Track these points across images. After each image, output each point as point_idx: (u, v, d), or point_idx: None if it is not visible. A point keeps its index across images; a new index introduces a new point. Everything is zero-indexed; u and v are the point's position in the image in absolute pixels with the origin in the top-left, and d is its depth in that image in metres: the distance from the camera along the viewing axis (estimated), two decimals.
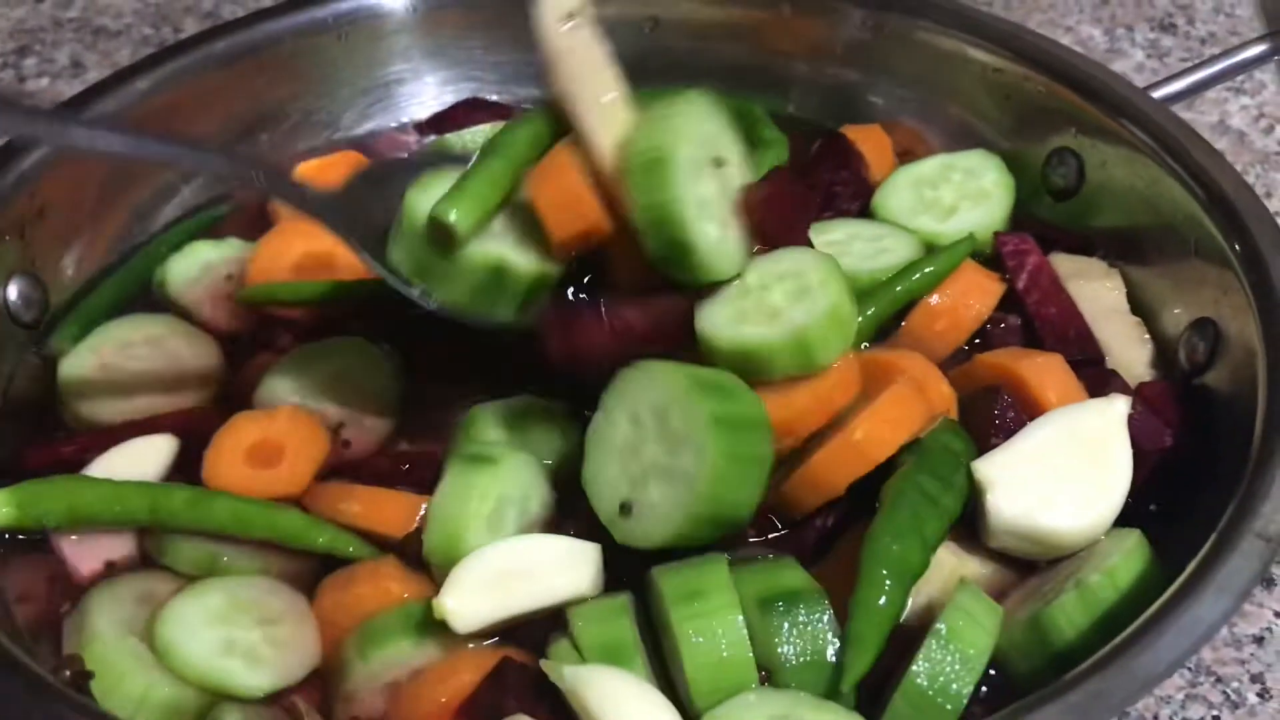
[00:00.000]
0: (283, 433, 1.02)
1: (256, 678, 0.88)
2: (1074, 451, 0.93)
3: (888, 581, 0.84)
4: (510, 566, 0.89)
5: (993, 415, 0.97)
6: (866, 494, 0.93)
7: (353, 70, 1.33)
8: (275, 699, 0.89)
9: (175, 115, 1.23)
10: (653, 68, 1.34)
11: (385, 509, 0.98)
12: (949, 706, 0.80)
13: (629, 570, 0.91)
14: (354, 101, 1.34)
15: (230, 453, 1.01)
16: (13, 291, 1.10)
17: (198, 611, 0.90)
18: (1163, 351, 1.07)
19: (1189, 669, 0.99)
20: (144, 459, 1.01)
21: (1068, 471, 0.92)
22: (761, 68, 1.35)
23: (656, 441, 0.89)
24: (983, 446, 0.95)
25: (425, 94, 1.36)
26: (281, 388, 1.06)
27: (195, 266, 1.17)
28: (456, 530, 0.91)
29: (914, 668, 0.81)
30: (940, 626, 0.82)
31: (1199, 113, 1.52)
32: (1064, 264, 1.13)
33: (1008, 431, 0.96)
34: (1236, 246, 0.99)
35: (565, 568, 0.90)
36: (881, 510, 0.89)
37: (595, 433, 0.92)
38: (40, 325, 1.12)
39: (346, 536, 0.96)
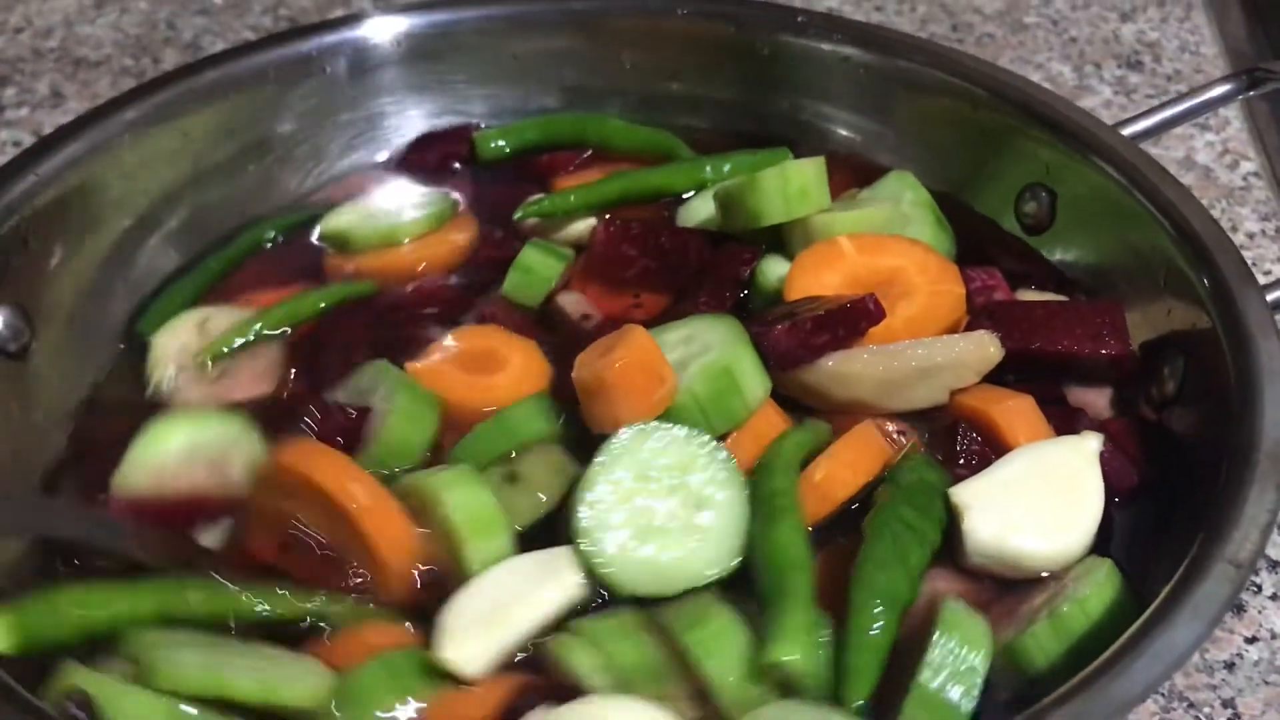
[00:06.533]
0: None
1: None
2: (1046, 483, 0.95)
3: (878, 608, 0.86)
4: (497, 595, 0.89)
5: (955, 450, 1.00)
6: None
7: (337, 103, 1.33)
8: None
9: (159, 149, 1.23)
10: (631, 103, 1.38)
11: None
12: (963, 707, 0.82)
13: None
14: (338, 134, 1.35)
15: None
16: None
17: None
18: (1130, 384, 1.09)
19: (1162, 695, 1.01)
20: None
21: (1040, 501, 0.94)
22: (736, 103, 1.37)
23: (671, 498, 0.92)
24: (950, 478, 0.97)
25: (410, 126, 1.37)
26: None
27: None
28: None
29: (921, 676, 0.82)
30: (938, 634, 0.83)
31: (1165, 148, 1.56)
32: (1032, 299, 1.14)
33: (970, 464, 0.99)
34: (1205, 281, 1.01)
35: (548, 577, 0.91)
36: (865, 543, 0.90)
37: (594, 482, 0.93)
38: (25, 355, 1.12)
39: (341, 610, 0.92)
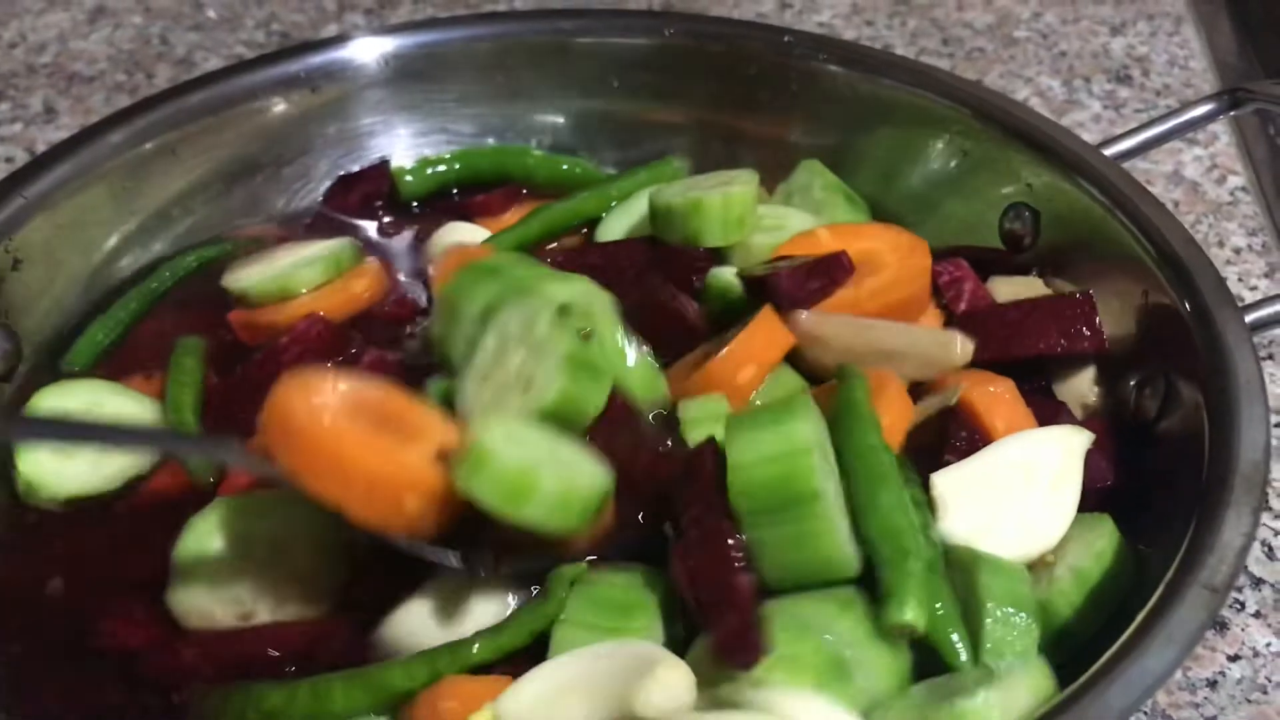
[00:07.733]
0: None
1: None
2: (1026, 479, 0.96)
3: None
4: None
5: (947, 435, 1.00)
6: None
7: (325, 123, 1.35)
8: None
9: (148, 169, 1.24)
10: (617, 124, 1.39)
11: None
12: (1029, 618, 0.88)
13: None
14: (326, 153, 1.36)
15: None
16: None
17: None
18: (1109, 392, 1.10)
19: (1144, 713, 1.01)
20: None
21: (1017, 500, 0.96)
22: (722, 124, 1.38)
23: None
24: (934, 464, 0.98)
25: (397, 146, 1.38)
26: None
27: None
28: None
29: (980, 596, 0.88)
30: (981, 568, 0.90)
31: (1154, 163, 1.56)
32: (1002, 287, 1.17)
33: (960, 451, 1.00)
34: (1185, 303, 1.02)
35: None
36: None
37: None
38: (11, 377, 1.12)
39: None
